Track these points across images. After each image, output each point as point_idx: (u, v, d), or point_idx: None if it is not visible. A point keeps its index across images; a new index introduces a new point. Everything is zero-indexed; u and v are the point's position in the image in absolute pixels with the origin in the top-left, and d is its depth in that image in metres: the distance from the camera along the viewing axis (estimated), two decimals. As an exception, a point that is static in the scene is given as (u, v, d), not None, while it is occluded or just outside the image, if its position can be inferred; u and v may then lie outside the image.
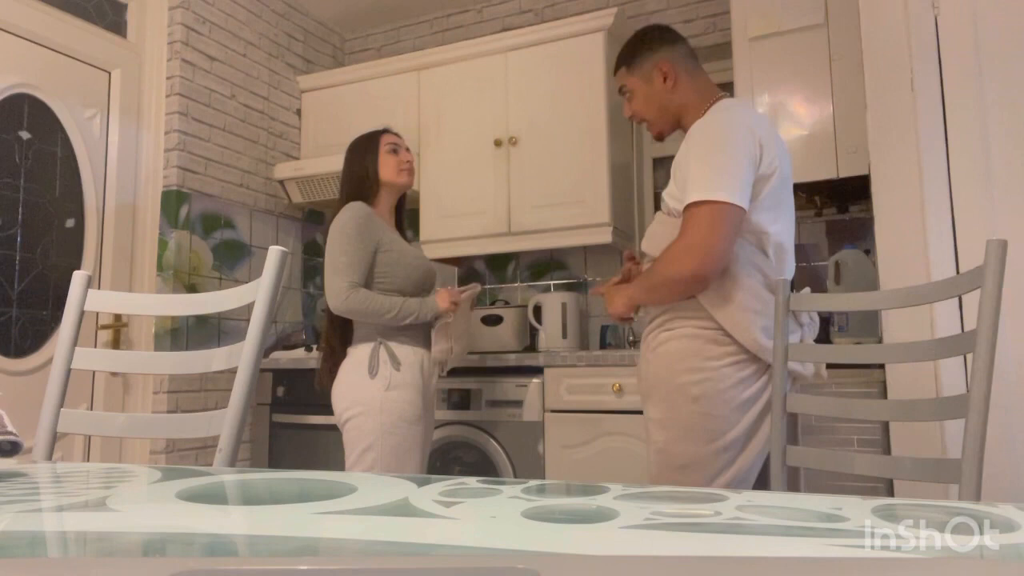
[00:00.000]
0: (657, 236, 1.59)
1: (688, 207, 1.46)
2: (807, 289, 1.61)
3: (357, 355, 2.01)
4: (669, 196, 1.58)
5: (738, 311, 1.48)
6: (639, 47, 1.71)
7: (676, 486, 1.48)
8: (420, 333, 2.07)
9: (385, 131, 2.19)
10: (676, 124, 1.68)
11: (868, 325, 2.25)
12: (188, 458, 2.71)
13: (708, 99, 1.63)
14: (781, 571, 0.42)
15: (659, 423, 1.54)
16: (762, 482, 1.54)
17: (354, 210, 2.02)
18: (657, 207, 2.68)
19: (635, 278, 1.66)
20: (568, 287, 3.10)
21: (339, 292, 1.95)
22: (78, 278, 1.30)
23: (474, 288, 2.22)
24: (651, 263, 1.60)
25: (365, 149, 2.14)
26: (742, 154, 1.48)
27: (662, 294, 1.55)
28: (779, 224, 1.54)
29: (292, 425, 2.85)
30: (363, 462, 1.93)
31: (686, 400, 1.49)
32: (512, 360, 2.55)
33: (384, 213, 2.13)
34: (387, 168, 2.12)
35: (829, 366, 1.97)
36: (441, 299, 2.07)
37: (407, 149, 2.20)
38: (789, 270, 1.59)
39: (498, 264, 3.28)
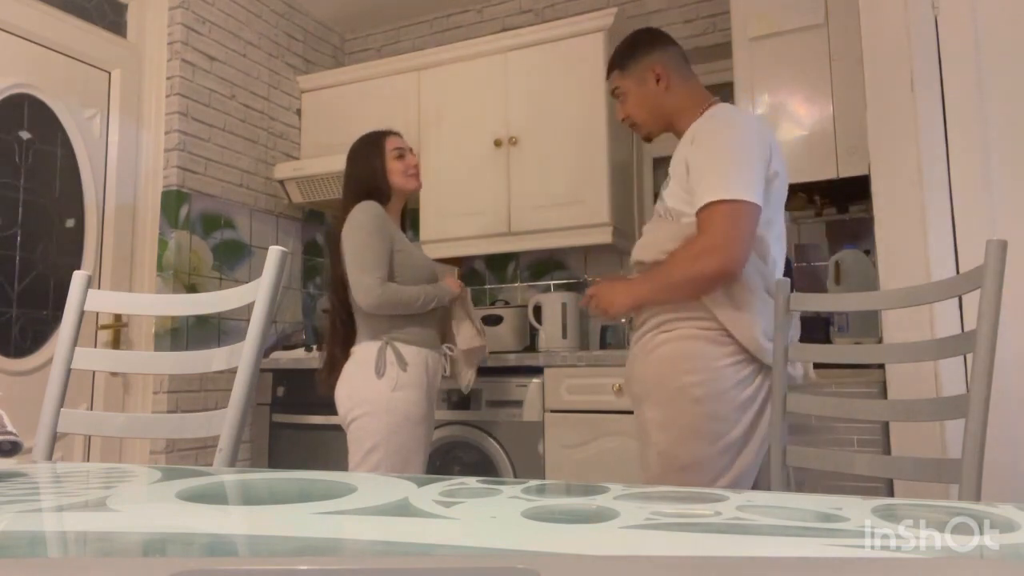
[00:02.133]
0: (657, 241, 1.58)
1: (706, 207, 1.46)
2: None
3: (362, 354, 2.01)
4: (672, 197, 1.56)
5: (745, 313, 1.49)
6: (633, 49, 1.72)
7: (679, 487, 1.48)
8: (425, 333, 2.07)
9: (389, 133, 2.18)
10: (667, 126, 1.69)
11: (868, 325, 2.25)
12: (188, 458, 2.71)
13: (702, 103, 1.64)
14: (781, 571, 0.42)
15: (660, 425, 1.52)
16: (759, 483, 1.54)
17: (370, 209, 2.02)
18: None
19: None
20: (568, 287, 3.10)
21: (371, 288, 1.95)
22: (78, 278, 1.30)
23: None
24: (649, 268, 1.59)
25: (370, 153, 2.13)
26: (756, 155, 1.50)
27: (682, 292, 1.53)
28: (773, 229, 1.56)
29: (292, 425, 2.85)
30: (368, 462, 1.93)
31: (689, 401, 1.48)
32: (512, 360, 2.55)
33: (393, 215, 2.13)
34: (395, 174, 2.12)
35: (829, 366, 1.98)
36: (452, 283, 2.14)
37: (411, 151, 2.20)
38: (779, 273, 1.61)
39: (498, 264, 3.28)
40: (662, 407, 1.53)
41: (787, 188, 1.62)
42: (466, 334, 2.17)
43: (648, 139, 1.75)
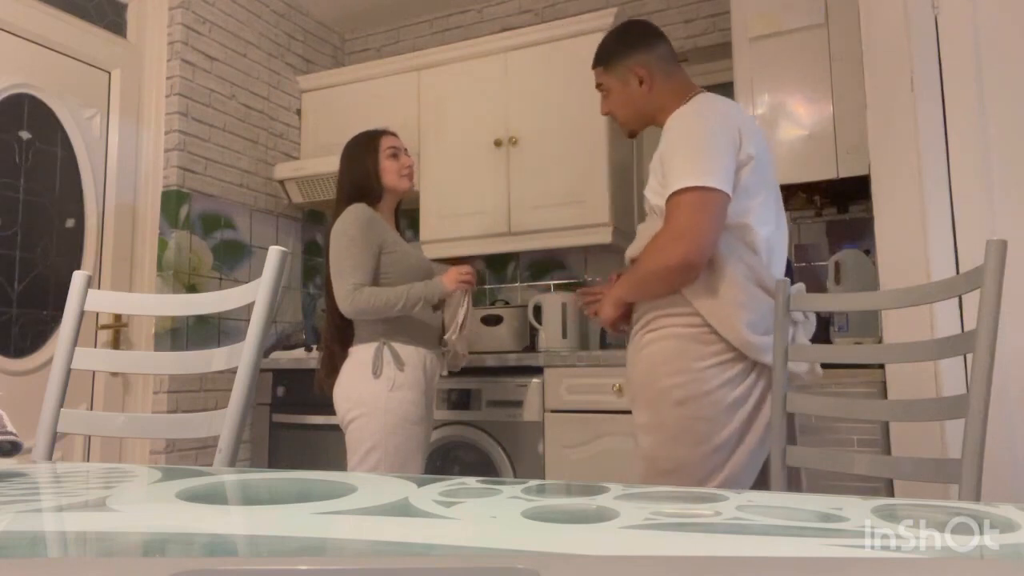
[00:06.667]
0: (645, 239, 1.54)
1: (672, 195, 1.43)
2: (801, 286, 1.58)
3: (360, 355, 2.01)
4: (651, 192, 1.54)
5: (724, 305, 1.44)
6: (616, 48, 1.70)
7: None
8: (423, 332, 2.07)
9: (384, 133, 2.16)
10: (650, 123, 1.66)
11: (868, 325, 2.25)
12: (188, 458, 2.71)
13: (684, 96, 1.59)
14: (781, 571, 0.42)
15: (644, 428, 1.51)
16: (762, 484, 1.53)
17: (357, 212, 2.01)
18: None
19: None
20: (568, 287, 3.10)
21: (346, 295, 1.94)
22: (78, 278, 1.30)
23: (474, 267, 2.19)
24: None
25: (364, 151, 2.12)
26: (723, 141, 1.46)
27: (652, 286, 1.51)
28: (759, 216, 1.50)
29: (292, 425, 2.85)
30: (367, 463, 1.93)
31: (670, 404, 1.46)
32: (512, 360, 2.55)
33: (385, 215, 2.12)
34: (388, 174, 2.10)
35: (829, 366, 1.98)
36: (449, 279, 2.05)
37: (406, 151, 2.18)
38: (779, 267, 1.56)
39: (498, 264, 3.28)
40: (647, 410, 1.51)
41: (772, 172, 1.57)
42: (449, 330, 2.13)
43: (631, 136, 1.75)
